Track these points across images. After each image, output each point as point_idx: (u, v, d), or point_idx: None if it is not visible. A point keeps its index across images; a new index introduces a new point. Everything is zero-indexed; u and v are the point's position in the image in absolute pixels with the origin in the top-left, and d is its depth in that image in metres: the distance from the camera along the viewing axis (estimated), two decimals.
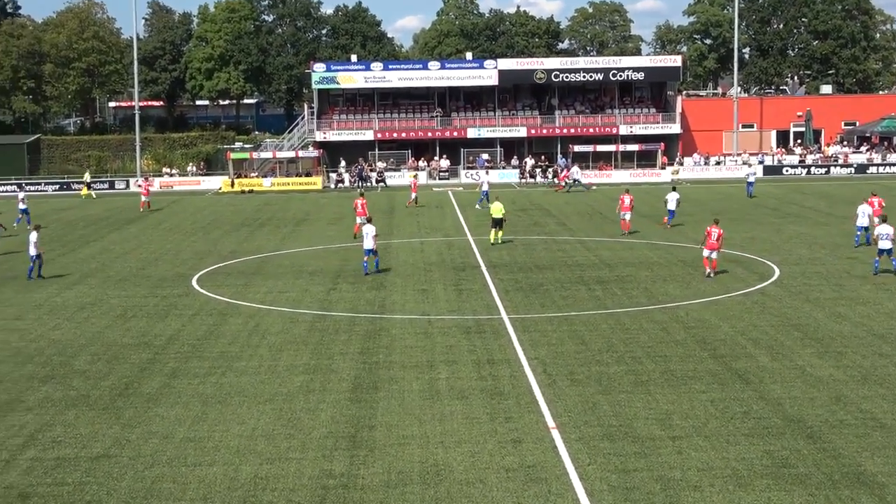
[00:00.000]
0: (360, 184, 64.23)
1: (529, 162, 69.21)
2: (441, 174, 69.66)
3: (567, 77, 72.20)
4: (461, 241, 37.39)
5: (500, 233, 35.79)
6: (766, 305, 24.14)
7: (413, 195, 51.55)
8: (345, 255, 34.41)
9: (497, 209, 35.94)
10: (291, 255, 34.67)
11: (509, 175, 68.03)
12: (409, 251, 34.94)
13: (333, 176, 67.25)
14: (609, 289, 26.69)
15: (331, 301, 25.78)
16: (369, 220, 30.05)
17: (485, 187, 50.22)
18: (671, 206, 40.65)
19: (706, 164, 71.21)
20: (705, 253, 28.24)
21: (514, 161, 70.70)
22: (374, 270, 29.71)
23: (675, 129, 72.40)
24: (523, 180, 67.49)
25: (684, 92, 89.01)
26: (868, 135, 74.82)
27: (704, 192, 55.74)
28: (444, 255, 33.74)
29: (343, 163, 68.39)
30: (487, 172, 60.87)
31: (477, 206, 47.96)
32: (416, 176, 63.28)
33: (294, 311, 24.60)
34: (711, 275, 28.02)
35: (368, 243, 29.15)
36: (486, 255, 33.42)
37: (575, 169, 61.77)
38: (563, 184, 60.03)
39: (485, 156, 70.77)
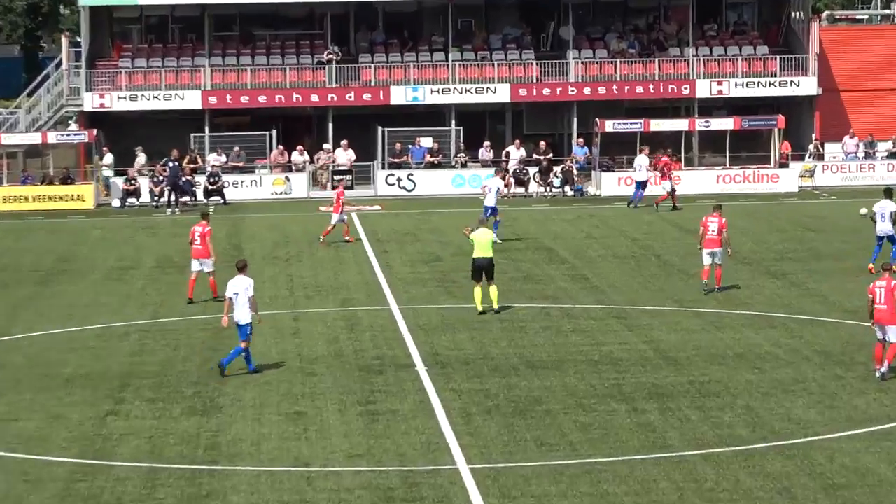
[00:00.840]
0: (174, 199, 64.12)
1: (516, 153, 69.61)
2: (337, 177, 69.40)
3: None
4: (376, 315, 37.51)
5: (495, 289, 36.55)
6: None
7: (334, 217, 50.67)
8: (140, 341, 34.24)
9: (484, 241, 36.67)
10: (30, 344, 34.55)
11: (475, 179, 68.27)
12: (273, 334, 34.87)
13: (119, 183, 67.08)
14: (675, 409, 26.85)
15: (109, 437, 25.58)
16: (242, 269, 30.32)
17: (489, 200, 49.96)
18: (884, 226, 40.92)
19: (868, 156, 72.05)
20: (878, 333, 28.49)
21: (485, 151, 70.98)
22: (250, 369, 30.20)
23: (805, 86, 73.09)
24: (506, 189, 67.70)
25: (825, 14, 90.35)
26: None
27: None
28: (341, 343, 33.83)
29: (110, 157, 68.32)
30: (502, 174, 59.05)
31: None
32: (343, 181, 62.28)
33: (33, 458, 24.38)
34: (884, 375, 28.28)
35: (243, 314, 29.75)
36: (429, 340, 33.50)
37: (640, 161, 62.02)
38: (668, 189, 60.06)
39: (426, 141, 70.89)
